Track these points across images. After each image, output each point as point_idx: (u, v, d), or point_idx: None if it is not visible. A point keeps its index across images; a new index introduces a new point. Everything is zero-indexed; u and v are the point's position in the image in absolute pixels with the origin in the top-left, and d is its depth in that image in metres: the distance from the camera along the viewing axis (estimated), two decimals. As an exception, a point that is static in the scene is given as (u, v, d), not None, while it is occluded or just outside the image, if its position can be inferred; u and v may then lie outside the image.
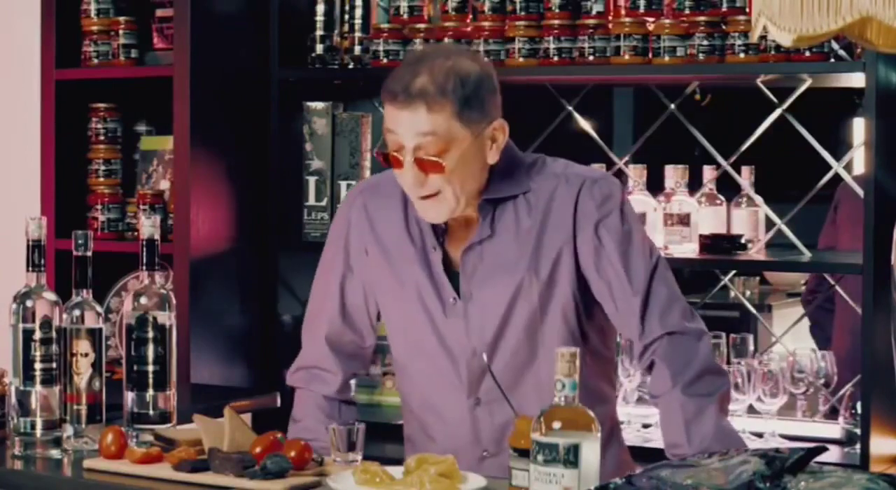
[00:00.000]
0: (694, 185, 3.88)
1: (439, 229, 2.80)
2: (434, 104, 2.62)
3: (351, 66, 4.12)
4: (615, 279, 2.75)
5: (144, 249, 2.81)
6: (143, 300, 2.80)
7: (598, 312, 2.81)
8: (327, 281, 2.95)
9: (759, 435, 3.62)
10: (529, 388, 2.77)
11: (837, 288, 4.01)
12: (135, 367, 2.79)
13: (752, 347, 3.71)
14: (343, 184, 4.08)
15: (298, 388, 3.00)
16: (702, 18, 3.65)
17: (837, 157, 3.87)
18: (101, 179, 4.24)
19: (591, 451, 2.24)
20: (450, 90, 2.63)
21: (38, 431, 2.83)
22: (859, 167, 3.98)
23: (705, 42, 3.64)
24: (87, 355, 2.82)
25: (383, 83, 2.70)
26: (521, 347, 2.77)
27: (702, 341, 2.77)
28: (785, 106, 3.85)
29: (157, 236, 2.81)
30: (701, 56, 3.65)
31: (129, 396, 2.80)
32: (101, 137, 4.25)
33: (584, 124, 4.14)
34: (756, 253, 3.79)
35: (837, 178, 3.93)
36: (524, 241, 2.75)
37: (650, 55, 3.71)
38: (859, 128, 4.54)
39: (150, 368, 2.78)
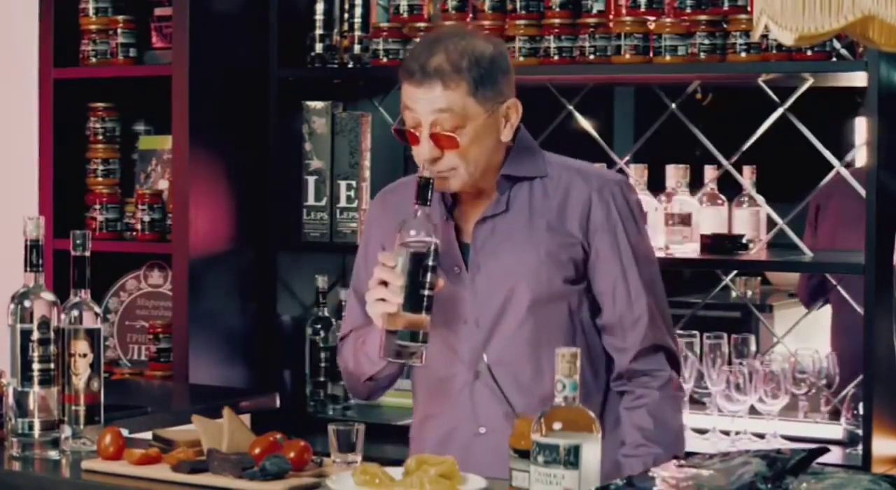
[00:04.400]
0: (695, 184, 3.87)
1: (448, 203, 2.86)
2: (450, 82, 2.72)
3: (350, 66, 4.11)
4: (612, 283, 2.83)
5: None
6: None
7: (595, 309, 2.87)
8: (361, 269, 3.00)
9: (761, 436, 3.61)
10: (528, 362, 2.81)
11: (839, 288, 4.00)
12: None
13: (753, 348, 3.70)
14: (343, 183, 4.07)
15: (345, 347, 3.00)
16: (703, 17, 3.64)
17: (839, 157, 3.86)
18: (100, 179, 4.23)
19: (591, 452, 2.23)
20: (465, 68, 2.74)
21: (36, 432, 2.82)
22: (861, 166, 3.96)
23: (706, 41, 3.63)
24: (85, 356, 2.81)
25: (401, 62, 2.82)
26: (526, 325, 2.81)
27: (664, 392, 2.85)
28: (786, 105, 3.84)
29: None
30: (702, 55, 3.64)
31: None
32: (100, 137, 4.24)
33: (585, 124, 4.13)
34: (757, 253, 3.78)
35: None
36: (537, 222, 2.83)
37: (651, 54, 3.70)
38: (861, 127, 4.53)
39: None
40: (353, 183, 4.06)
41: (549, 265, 2.80)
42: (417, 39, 3.94)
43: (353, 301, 2.99)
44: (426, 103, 2.73)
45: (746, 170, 3.86)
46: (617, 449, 2.78)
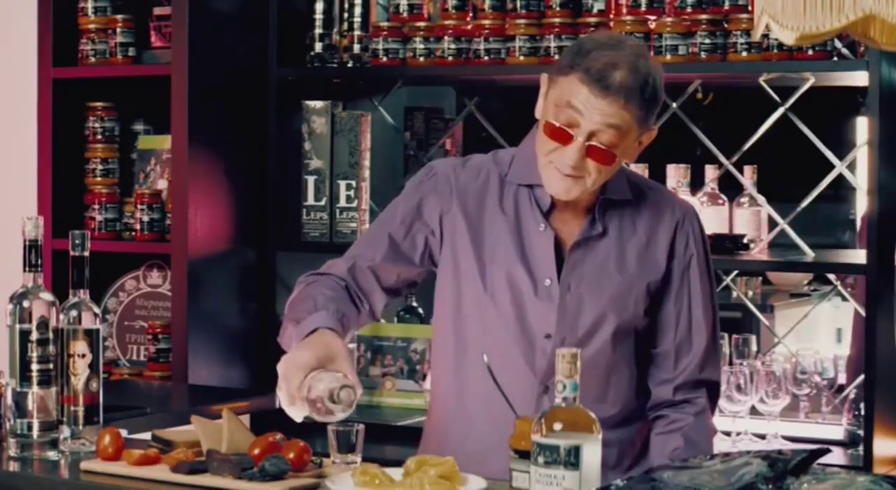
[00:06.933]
0: (696, 184, 3.87)
1: (545, 208, 2.79)
2: (630, 103, 2.63)
3: (350, 65, 4.11)
4: (676, 314, 2.83)
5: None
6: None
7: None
8: (386, 220, 2.87)
9: (762, 436, 3.61)
10: (597, 384, 2.78)
11: (840, 288, 3.99)
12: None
13: (754, 348, 3.69)
14: (342, 183, 4.06)
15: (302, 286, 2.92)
16: (704, 17, 3.63)
17: (840, 157, 3.85)
18: (99, 179, 4.23)
19: (592, 453, 2.22)
20: (644, 94, 2.64)
21: (35, 433, 2.81)
22: (862, 166, 3.95)
23: (707, 40, 3.63)
24: (84, 356, 2.80)
25: (570, 57, 2.66)
26: (605, 351, 2.79)
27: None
28: (788, 105, 3.83)
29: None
30: (703, 54, 3.63)
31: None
32: (99, 136, 4.24)
33: (585, 123, 4.12)
34: (758, 253, 3.77)
35: (841, 178, 3.92)
36: (629, 251, 2.80)
37: (652, 54, 3.69)
38: (862, 127, 4.52)
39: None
40: (353, 183, 4.05)
41: (636, 297, 2.79)
42: (418, 39, 3.94)
43: (381, 235, 2.84)
44: (599, 114, 2.62)
45: (747, 169, 3.86)
46: None
